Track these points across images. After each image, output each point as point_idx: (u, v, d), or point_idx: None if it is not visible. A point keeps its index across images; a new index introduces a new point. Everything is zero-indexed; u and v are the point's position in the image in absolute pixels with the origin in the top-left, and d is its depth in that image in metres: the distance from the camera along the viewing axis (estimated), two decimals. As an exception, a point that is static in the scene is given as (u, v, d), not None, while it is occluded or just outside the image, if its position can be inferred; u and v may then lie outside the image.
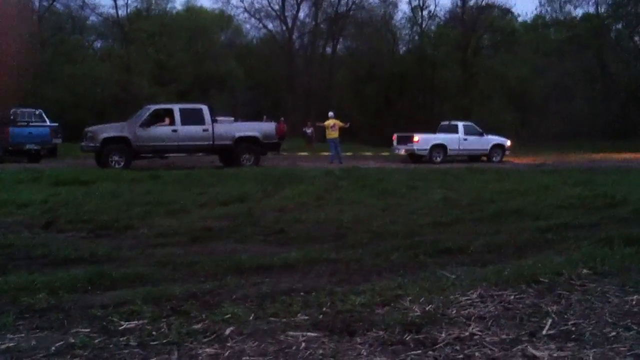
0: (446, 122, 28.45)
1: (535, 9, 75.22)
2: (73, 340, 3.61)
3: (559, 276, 4.89)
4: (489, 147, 27.03)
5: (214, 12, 54.82)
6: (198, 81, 47.45)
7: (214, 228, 7.99)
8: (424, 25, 53.10)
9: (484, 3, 50.30)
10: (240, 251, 6.44)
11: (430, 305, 4.20)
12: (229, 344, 3.55)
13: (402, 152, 26.68)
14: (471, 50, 49.36)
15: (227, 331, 3.74)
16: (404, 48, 55.76)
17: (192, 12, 52.71)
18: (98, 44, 52.85)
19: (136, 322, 3.93)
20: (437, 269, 5.38)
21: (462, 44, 48.93)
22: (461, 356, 3.39)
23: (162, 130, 20.27)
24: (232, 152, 20.80)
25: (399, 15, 54.92)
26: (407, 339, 3.62)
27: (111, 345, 3.54)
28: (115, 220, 8.44)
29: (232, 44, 55.96)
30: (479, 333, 3.71)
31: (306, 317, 4.01)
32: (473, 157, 26.84)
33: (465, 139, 26.62)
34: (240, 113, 40.75)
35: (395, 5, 54.37)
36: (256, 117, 35.63)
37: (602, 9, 49.88)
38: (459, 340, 3.60)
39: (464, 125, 27.26)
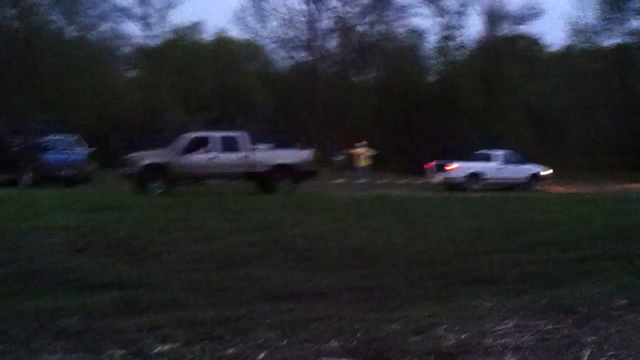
0: (483, 151, 28.13)
1: (564, 39, 74.97)
2: (108, 362, 3.63)
3: (596, 307, 4.79)
4: (525, 176, 26.79)
5: (243, 43, 55.46)
6: (226, 110, 47.92)
7: (244, 254, 7.99)
8: (452, 56, 53.17)
9: (511, 33, 50.30)
10: (270, 277, 6.44)
11: (464, 334, 4.14)
12: (262, 369, 3.54)
13: (441, 179, 26.53)
14: (497, 80, 49.24)
15: (260, 356, 3.72)
16: (431, 78, 55.85)
17: (221, 42, 53.37)
18: (131, 74, 53.70)
19: (170, 345, 3.93)
20: (470, 298, 5.31)
21: (489, 75, 48.85)
22: (498, 386, 3.33)
23: (201, 157, 20.51)
24: (269, 178, 20.88)
25: (427, 46, 54.78)
26: (442, 368, 3.57)
27: (145, 368, 3.55)
28: (147, 245, 8.49)
29: (260, 73, 56.47)
30: (516, 363, 3.65)
31: (339, 344, 3.98)
32: (509, 187, 26.38)
33: (501, 168, 26.51)
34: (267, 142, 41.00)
35: (423, 36, 54.46)
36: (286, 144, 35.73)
37: (630, 39, 49.49)
38: (495, 370, 3.54)
39: (501, 154, 27.16)
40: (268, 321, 4.54)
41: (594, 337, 4.11)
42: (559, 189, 26.97)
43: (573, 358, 3.75)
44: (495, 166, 26.49)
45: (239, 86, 49.77)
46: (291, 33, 53.18)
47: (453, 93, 47.30)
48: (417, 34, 53.89)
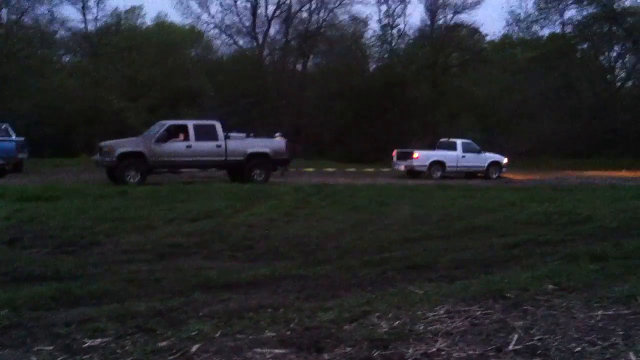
0: (445, 139, 29.05)
1: (503, 28, 76.47)
2: (35, 359, 3.54)
3: (525, 292, 4.93)
4: (486, 164, 27.66)
5: (185, 28, 54.68)
6: (168, 96, 47.19)
7: (181, 244, 7.92)
8: (393, 44, 53.65)
9: (452, 22, 51.02)
10: (208, 268, 6.39)
11: (398, 321, 4.20)
12: (195, 361, 3.51)
13: (402, 167, 27.18)
14: (440, 68, 49.96)
15: (193, 348, 3.69)
16: (373, 66, 56.23)
17: (162, 27, 52.49)
18: (67, 59, 52.30)
19: (100, 339, 3.86)
20: (405, 285, 5.40)
21: (431, 63, 49.50)
22: (428, 372, 3.39)
23: (177, 145, 20.46)
24: (243, 167, 21.06)
25: (369, 34, 55.15)
26: (375, 355, 3.61)
27: (74, 364, 3.48)
28: (80, 236, 8.32)
29: (203, 59, 55.77)
30: (446, 349, 3.71)
31: (273, 334, 3.98)
32: (470, 174, 27.43)
33: (463, 156, 27.30)
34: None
35: (366, 24, 54.77)
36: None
37: (567, 29, 50.81)
38: (426, 356, 3.60)
39: (462, 143, 27.88)
40: (202, 312, 4.51)
41: (522, 322, 4.23)
42: (519, 177, 27.80)
43: (502, 342, 3.84)
44: (457, 155, 27.22)
45: (180, 72, 49.03)
46: (234, 19, 52.67)
47: (395, 81, 47.68)
48: (360, 21, 54.05)
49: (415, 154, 26.76)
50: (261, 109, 47.95)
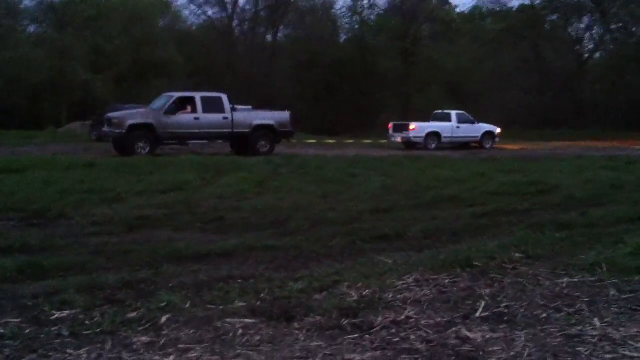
0: (439, 111, 29.53)
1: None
2: (2, 331, 3.51)
3: (492, 260, 5.00)
4: (480, 134, 28.25)
5: (153, -2, 53.73)
6: (136, 67, 46.52)
7: (150, 216, 7.85)
8: (364, 14, 53.42)
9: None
10: (177, 239, 6.36)
11: (367, 290, 4.24)
12: (164, 332, 3.51)
13: (399, 139, 27.58)
14: (410, 39, 49.92)
15: (163, 319, 3.68)
16: (344, 37, 56.02)
17: (129, -3, 51.51)
18: (32, 29, 51.15)
19: (68, 311, 3.84)
20: (375, 254, 5.44)
21: (402, 34, 49.43)
22: (397, 339, 3.43)
23: (185, 117, 20.68)
24: (249, 139, 21.35)
25: (339, 4, 54.93)
26: (344, 323, 3.64)
27: (42, 336, 3.45)
28: (47, 209, 8.21)
29: (171, 29, 54.99)
30: (415, 316, 3.76)
31: (244, 304, 3.99)
32: (464, 145, 28.05)
33: (458, 127, 27.83)
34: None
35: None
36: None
37: (537, 1, 50.99)
38: (395, 324, 3.64)
39: (457, 114, 28.42)
40: (172, 284, 4.50)
41: (489, 290, 4.30)
42: (513, 146, 28.60)
43: (469, 310, 3.90)
44: (452, 126, 27.77)
45: (148, 42, 48.25)
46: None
47: (366, 53, 47.58)
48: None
49: (412, 126, 27.27)
50: (232, 80, 47.56)
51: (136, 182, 11.29)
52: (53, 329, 3.56)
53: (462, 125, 28.03)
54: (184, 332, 3.51)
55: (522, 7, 50.53)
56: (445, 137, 27.43)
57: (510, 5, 51.38)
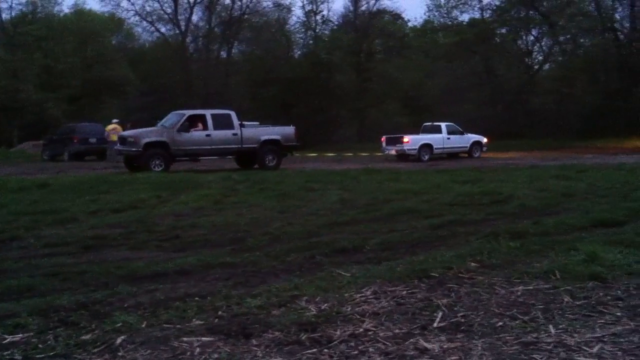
0: (429, 123, 30.44)
1: (424, 14, 77.58)
2: (-48, 358, 3.42)
3: (449, 270, 5.06)
4: (469, 144, 29.46)
5: (104, 16, 53.18)
6: (89, 86, 45.95)
7: (106, 236, 7.74)
8: (317, 30, 53.75)
9: (375, 9, 51.50)
10: (133, 259, 6.27)
11: (325, 304, 4.25)
12: (120, 354, 3.46)
13: (393, 152, 28.35)
14: (364, 54, 50.39)
15: (118, 340, 3.63)
16: (299, 52, 56.22)
17: (80, 15, 50.88)
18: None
19: (21, 335, 3.77)
20: (333, 268, 5.44)
21: (355, 49, 49.86)
22: (356, 352, 3.44)
23: (197, 134, 21.25)
24: (257, 154, 22.06)
25: (293, 20, 55.10)
26: (303, 338, 3.64)
27: (-6, 361, 3.37)
28: (0, 231, 8.03)
29: (124, 47, 54.48)
30: (373, 329, 3.78)
31: (201, 322, 3.97)
32: (453, 155, 29.08)
33: (448, 138, 28.88)
34: (133, 119, 39.74)
35: (289, 10, 54.62)
36: (151, 123, 34.93)
37: (487, 14, 51.99)
38: (353, 337, 3.65)
39: (446, 125, 29.37)
40: (128, 304, 4.44)
41: (446, 300, 4.35)
42: (501, 155, 29.61)
43: (427, 320, 3.94)
44: (442, 137, 28.73)
45: (101, 61, 47.74)
46: (155, 5, 51.62)
47: (320, 68, 47.80)
48: (283, 7, 53.85)
49: (406, 139, 28.02)
50: (187, 97, 47.27)
51: (91, 201, 11.14)
52: (5, 353, 3.48)
53: (452, 136, 29.12)
54: (140, 353, 3.46)
55: (473, 21, 51.49)
56: (437, 148, 28.41)
57: (460, 19, 52.30)
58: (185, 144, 21.00)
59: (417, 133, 29.69)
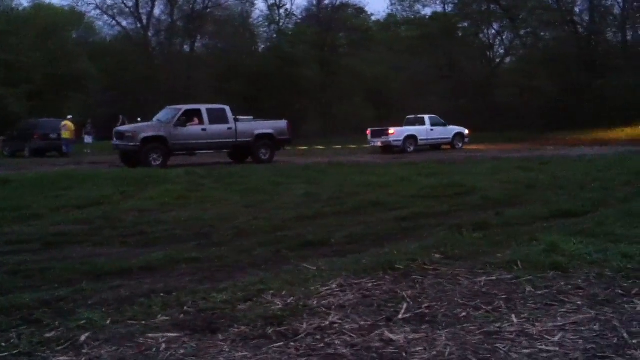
0: (412, 116, 30.96)
1: (387, 7, 78.01)
2: None
3: (413, 262, 5.10)
4: (451, 136, 30.32)
5: (64, 9, 52.26)
6: (50, 81, 45.12)
7: (69, 233, 7.63)
8: (281, 24, 53.61)
9: (338, 2, 51.54)
10: (97, 255, 6.21)
11: (291, 298, 4.25)
12: (84, 351, 3.42)
13: (379, 144, 28.98)
14: (328, 48, 50.42)
15: (83, 338, 3.59)
16: (263, 46, 56.03)
17: (40, 9, 49.89)
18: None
19: (-17, 334, 3.70)
20: (299, 262, 5.46)
21: (319, 43, 49.87)
22: (322, 345, 3.46)
23: (193, 129, 21.59)
24: (251, 148, 22.35)
25: (256, 14, 54.92)
26: (269, 332, 3.64)
27: (-46, 361, 3.31)
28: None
29: (85, 42, 53.59)
30: (339, 321, 3.80)
31: (167, 318, 3.94)
32: (436, 146, 29.79)
33: (432, 130, 29.64)
34: (96, 114, 39.22)
35: (253, 4, 54.39)
36: (114, 118, 34.50)
37: (449, 8, 52.47)
38: (319, 330, 3.67)
39: (429, 118, 30.12)
40: (92, 301, 4.39)
41: (411, 291, 4.38)
42: (481, 147, 30.35)
43: (392, 312, 3.97)
44: (426, 129, 29.47)
45: (62, 55, 46.85)
46: (116, -1, 50.82)
47: (285, 62, 47.69)
48: (246, 1, 53.55)
49: (391, 130, 28.78)
50: (150, 92, 46.80)
51: (53, 197, 10.97)
52: (-34, 353, 3.42)
53: (435, 128, 29.89)
54: (105, 350, 3.43)
55: (435, 15, 51.93)
56: (421, 140, 29.11)
57: (423, 12, 52.72)
58: (182, 138, 21.26)
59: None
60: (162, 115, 22.62)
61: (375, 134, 29.47)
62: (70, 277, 5.23)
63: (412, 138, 28.88)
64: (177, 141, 21.15)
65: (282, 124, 23.92)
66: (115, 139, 21.95)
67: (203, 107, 22.40)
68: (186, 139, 21.39)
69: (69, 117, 30.28)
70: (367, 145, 30.39)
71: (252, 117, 24.69)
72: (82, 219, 8.72)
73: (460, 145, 30.32)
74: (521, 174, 13.30)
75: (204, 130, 21.66)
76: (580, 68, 45.25)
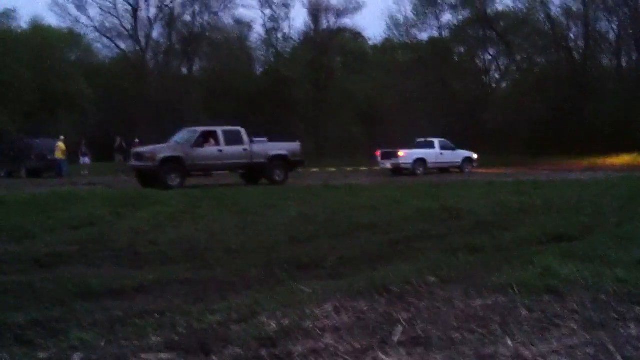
0: (422, 139, 31.11)
1: (384, 32, 78.64)
2: None
3: (408, 285, 5.08)
4: (460, 160, 30.56)
5: (62, 31, 52.38)
6: (45, 101, 45.17)
7: (62, 253, 7.59)
8: (278, 47, 53.94)
9: (335, 27, 51.93)
10: (90, 276, 6.17)
11: (286, 320, 4.22)
12: (77, 371, 3.40)
13: (389, 166, 29.27)
14: (324, 71, 50.71)
15: (75, 358, 3.57)
16: (259, 69, 56.33)
17: (38, 30, 50.06)
18: None
19: (-27, 354, 3.67)
20: (293, 284, 5.44)
21: (316, 66, 50.15)
22: (316, 367, 3.44)
23: (210, 150, 21.97)
24: (265, 169, 22.77)
25: (254, 37, 55.26)
26: (263, 354, 3.62)
27: (-56, 382, 3.28)
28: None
29: (82, 63, 53.71)
30: (333, 344, 3.78)
31: (160, 339, 3.91)
32: (444, 170, 29.98)
33: (441, 153, 29.92)
34: (90, 134, 39.17)
35: (250, 27, 54.72)
36: (108, 139, 34.57)
37: (445, 33, 52.91)
38: (313, 352, 3.64)
39: (439, 141, 30.35)
40: (84, 321, 4.35)
41: (405, 314, 4.36)
42: (490, 171, 30.50)
43: (386, 335, 3.95)
44: (435, 152, 29.75)
45: (58, 75, 46.93)
46: (114, 21, 51.10)
47: (280, 84, 47.91)
48: (244, 24, 53.94)
49: (401, 153, 29.01)
50: (144, 112, 46.89)
51: (47, 218, 10.91)
52: (-43, 373, 3.38)
53: (445, 152, 30.15)
54: (98, 371, 3.40)
55: (432, 40, 52.33)
56: (430, 163, 29.36)
57: (419, 37, 53.13)
58: (199, 159, 21.64)
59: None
60: (179, 136, 23.08)
61: (385, 156, 29.86)
62: (62, 297, 5.20)
63: (421, 161, 29.20)
64: (194, 162, 21.54)
65: (296, 145, 24.40)
66: (133, 160, 22.37)
67: (219, 129, 22.76)
68: (203, 160, 21.81)
69: (62, 137, 30.60)
70: (377, 167, 30.84)
71: (266, 139, 24.95)
72: (75, 240, 8.68)
73: (469, 169, 30.52)
74: (515, 198, 13.31)
75: (220, 151, 22.04)
76: (574, 93, 45.53)
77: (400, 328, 4.05)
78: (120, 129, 38.88)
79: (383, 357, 3.55)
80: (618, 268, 5.51)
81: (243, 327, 4.11)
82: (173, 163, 21.19)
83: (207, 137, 22.33)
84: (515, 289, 4.87)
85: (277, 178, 22.76)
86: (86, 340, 3.85)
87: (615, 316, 4.26)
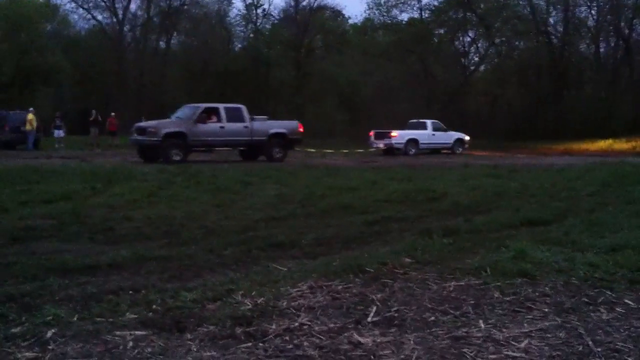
0: (414, 120, 31.60)
1: (365, 12, 78.36)
2: None
3: (383, 266, 5.12)
4: (452, 141, 30.92)
5: (38, 1, 51.47)
6: (21, 74, 44.47)
7: (36, 227, 7.52)
8: (258, 24, 53.51)
9: (315, 4, 51.62)
10: (64, 251, 6.13)
11: (261, 299, 4.24)
12: (50, 347, 3.38)
13: (381, 146, 29.65)
14: (304, 50, 50.42)
15: (49, 334, 3.54)
16: (238, 45, 55.86)
17: (14, 1, 49.10)
18: None
19: (-54, 329, 3.63)
20: (269, 262, 5.45)
21: (296, 44, 49.86)
22: (290, 346, 3.45)
23: (212, 126, 22.31)
24: (265, 146, 23.11)
25: (233, 13, 54.74)
26: (238, 332, 3.63)
27: None
28: None
29: (59, 35, 52.88)
30: (308, 323, 3.80)
31: (134, 316, 3.90)
32: (436, 150, 30.41)
33: (433, 134, 30.33)
34: (65, 108, 38.71)
35: (230, 3, 54.20)
36: (85, 112, 34.14)
37: (425, 15, 52.80)
38: (288, 331, 3.66)
39: (431, 123, 30.84)
40: (58, 297, 4.34)
41: (380, 295, 4.40)
42: (483, 153, 31.37)
43: (361, 315, 3.98)
44: (427, 133, 30.18)
45: (34, 49, 46.19)
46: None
47: (260, 63, 47.59)
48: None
49: (394, 133, 29.39)
50: (121, 88, 46.38)
51: (21, 191, 10.78)
52: None
53: (437, 133, 30.55)
54: (71, 347, 3.39)
55: (411, 21, 52.22)
56: (422, 144, 29.79)
57: (400, 18, 52.95)
58: (201, 135, 21.89)
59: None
60: (181, 112, 23.29)
61: (378, 136, 30.21)
62: (36, 272, 5.15)
63: (413, 141, 29.57)
64: (196, 138, 21.78)
65: (294, 124, 24.78)
66: (135, 134, 22.43)
67: (221, 106, 23.13)
68: (205, 136, 22.04)
69: (31, 109, 30.37)
70: (372, 149, 31.07)
71: (266, 117, 25.35)
72: (49, 214, 8.59)
73: (460, 151, 30.93)
74: (491, 181, 13.43)
75: (221, 127, 22.32)
76: (552, 78, 45.84)
77: (374, 308, 4.08)
78: (96, 103, 38.44)
79: (357, 337, 3.58)
80: (590, 253, 5.60)
81: (218, 306, 4.12)
82: (176, 138, 21.49)
83: (209, 114, 22.59)
84: (489, 272, 4.93)
85: (276, 155, 23.14)
86: (60, 316, 3.83)
87: (587, 300, 4.33)
